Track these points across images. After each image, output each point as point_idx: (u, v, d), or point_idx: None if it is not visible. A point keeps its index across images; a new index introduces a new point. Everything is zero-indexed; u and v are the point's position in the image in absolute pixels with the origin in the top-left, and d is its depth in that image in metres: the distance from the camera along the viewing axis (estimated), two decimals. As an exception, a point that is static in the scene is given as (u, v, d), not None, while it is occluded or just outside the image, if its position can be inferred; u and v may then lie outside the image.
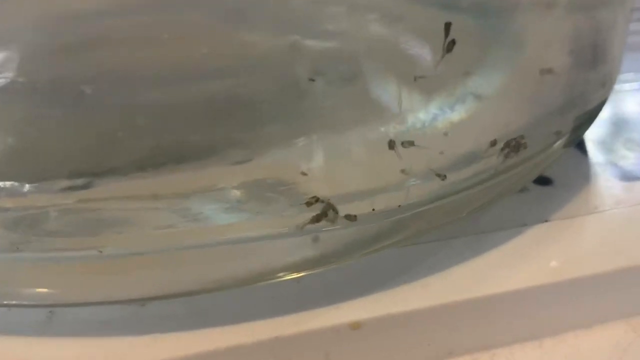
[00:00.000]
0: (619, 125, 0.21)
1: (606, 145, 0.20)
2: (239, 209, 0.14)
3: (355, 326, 0.15)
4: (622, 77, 0.23)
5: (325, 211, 0.14)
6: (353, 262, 0.16)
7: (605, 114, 0.22)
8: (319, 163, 0.14)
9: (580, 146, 0.20)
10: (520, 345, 0.16)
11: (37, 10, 0.13)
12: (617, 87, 0.23)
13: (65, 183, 0.13)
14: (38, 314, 0.15)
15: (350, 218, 0.14)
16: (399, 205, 0.15)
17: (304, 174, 0.14)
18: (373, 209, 0.14)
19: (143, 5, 0.14)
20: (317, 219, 0.14)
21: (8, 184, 0.13)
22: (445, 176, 0.15)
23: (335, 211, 0.14)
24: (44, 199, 0.13)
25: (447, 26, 0.14)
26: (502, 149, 0.16)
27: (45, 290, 0.15)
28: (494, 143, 0.16)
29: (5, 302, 0.15)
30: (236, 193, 0.14)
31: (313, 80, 0.14)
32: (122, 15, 0.14)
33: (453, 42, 0.14)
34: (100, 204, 0.14)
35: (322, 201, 0.14)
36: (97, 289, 0.15)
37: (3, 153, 0.14)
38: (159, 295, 0.15)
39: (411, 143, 0.14)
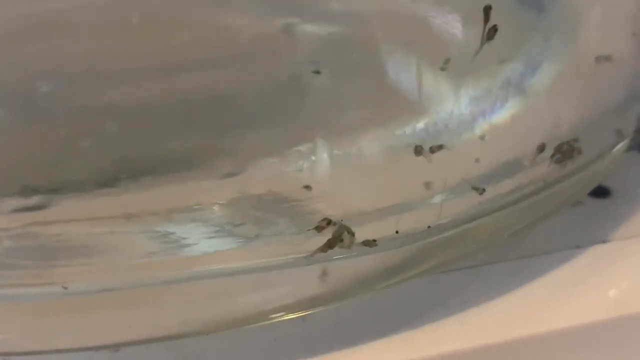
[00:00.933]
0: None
1: None
2: (231, 233, 0.13)
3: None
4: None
5: (339, 235, 0.13)
6: (372, 294, 0.14)
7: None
8: (325, 174, 0.13)
9: None
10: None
11: None
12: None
13: (16, 202, 0.12)
14: None
15: (370, 244, 0.13)
16: (428, 227, 0.13)
17: (307, 187, 0.13)
18: (397, 232, 0.13)
19: None
20: (329, 245, 0.13)
21: None
22: (483, 189, 0.14)
23: (352, 234, 0.13)
24: None
25: (487, 10, 0.13)
26: (552, 155, 0.14)
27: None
28: (541, 148, 0.14)
29: None
30: (226, 213, 0.13)
31: (318, 72, 0.13)
32: None
33: (494, 28, 0.13)
34: (59, 228, 0.12)
35: (335, 223, 0.13)
36: (60, 333, 0.13)
37: None
38: (135, 340, 0.13)
39: (440, 147, 0.13)
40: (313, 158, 0.13)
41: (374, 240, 0.13)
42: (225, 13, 0.12)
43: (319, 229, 0.13)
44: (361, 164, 0.13)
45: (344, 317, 0.14)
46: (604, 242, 0.16)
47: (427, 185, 0.13)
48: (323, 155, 0.13)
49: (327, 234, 0.13)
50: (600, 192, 0.17)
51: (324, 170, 0.13)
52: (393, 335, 0.14)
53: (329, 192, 0.13)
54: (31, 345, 0.13)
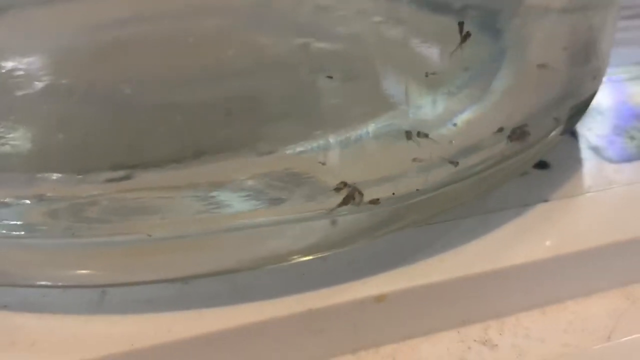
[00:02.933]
0: (608, 114, 0.21)
1: (597, 132, 0.20)
2: (266, 195, 0.14)
3: (380, 299, 0.15)
4: (614, 70, 0.25)
5: (352, 195, 0.14)
6: (375, 241, 0.16)
7: (594, 103, 0.23)
8: (336, 153, 0.14)
9: (573, 133, 0.20)
10: (526, 313, 0.16)
11: (78, 18, 0.13)
12: (607, 79, 0.24)
13: (108, 175, 0.14)
14: (91, 294, 0.15)
15: (374, 202, 0.14)
16: (417, 190, 0.15)
17: (322, 163, 0.14)
18: (393, 193, 0.15)
19: (172, 12, 0.14)
20: (344, 202, 0.14)
21: (58, 175, 0.13)
22: (457, 163, 0.15)
23: (361, 194, 0.14)
24: (91, 189, 0.13)
25: (461, 24, 0.14)
26: (509, 137, 0.16)
27: (97, 272, 0.14)
28: (500, 131, 0.16)
29: (61, 284, 0.15)
30: (261, 182, 0.14)
31: (331, 77, 0.14)
32: (154, 21, 0.14)
33: (468, 34, 0.14)
34: (139, 194, 0.14)
35: (349, 186, 0.14)
36: (144, 269, 0.14)
37: (52, 148, 0.13)
38: (201, 274, 0.15)
39: (426, 135, 0.15)
40: (327, 141, 0.14)
41: (378, 199, 0.14)
42: (257, 34, 0.14)
43: (337, 189, 0.14)
44: (364, 145, 0.15)
45: (354, 258, 0.15)
46: (545, 201, 0.17)
47: (415, 160, 0.15)
48: (334, 139, 0.14)
49: (342, 194, 0.14)
50: (542, 165, 0.19)
51: (335, 150, 0.14)
52: (391, 270, 0.15)
53: (338, 166, 0.14)
54: (123, 279, 0.15)
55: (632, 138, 0.19)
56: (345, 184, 0.14)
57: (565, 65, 0.18)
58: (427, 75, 0.15)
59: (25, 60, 0.14)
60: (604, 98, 0.21)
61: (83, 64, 0.14)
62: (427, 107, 0.16)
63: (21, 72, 0.14)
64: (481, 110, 0.16)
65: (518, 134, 0.16)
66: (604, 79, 0.21)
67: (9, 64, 0.14)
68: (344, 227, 0.15)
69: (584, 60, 0.18)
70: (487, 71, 0.17)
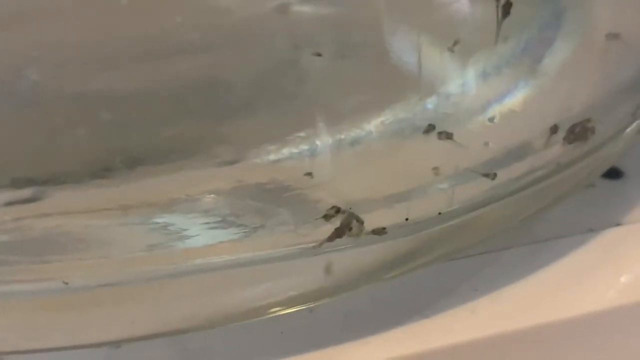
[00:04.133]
0: None
1: None
2: (232, 223, 0.13)
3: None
4: None
5: (348, 223, 0.12)
6: (382, 284, 0.14)
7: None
8: (328, 161, 0.13)
9: None
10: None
11: None
12: None
13: (8, 195, 0.12)
14: None
15: (379, 232, 0.13)
16: (439, 213, 0.13)
17: (309, 175, 0.13)
18: (406, 219, 0.13)
19: None
20: (338, 233, 0.13)
21: None
22: (495, 175, 0.14)
23: (361, 222, 0.13)
24: None
25: (507, 6, 0.13)
26: (565, 137, 0.14)
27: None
28: (554, 130, 0.14)
29: None
30: (226, 203, 0.12)
31: (319, 54, 0.12)
32: None
33: (509, 2, 0.12)
34: (54, 221, 0.12)
35: (344, 211, 0.12)
36: (59, 330, 0.13)
37: None
38: (137, 336, 0.13)
39: (450, 135, 0.13)
40: (315, 144, 0.13)
41: (384, 228, 0.13)
42: None
43: (327, 217, 0.12)
44: (365, 149, 0.13)
45: (352, 308, 0.14)
46: (618, 225, 0.16)
47: (436, 170, 0.13)
48: (325, 141, 0.13)
49: (335, 223, 0.13)
50: (613, 174, 0.17)
51: (326, 156, 0.13)
52: (403, 326, 0.14)
53: (331, 179, 0.13)
54: (28, 344, 0.13)
55: None
56: (338, 210, 0.13)
57: None
58: (451, 49, 0.13)
59: None
60: None
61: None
62: (452, 95, 0.14)
63: None
64: (528, 100, 0.14)
65: (578, 132, 0.14)
66: None
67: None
68: (339, 268, 0.14)
69: None
70: (536, 43, 0.14)
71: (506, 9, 0.13)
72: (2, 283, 0.12)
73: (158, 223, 0.12)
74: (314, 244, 0.13)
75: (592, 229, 0.16)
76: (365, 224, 0.13)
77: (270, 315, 0.13)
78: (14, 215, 0.12)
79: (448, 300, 0.14)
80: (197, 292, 0.13)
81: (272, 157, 0.12)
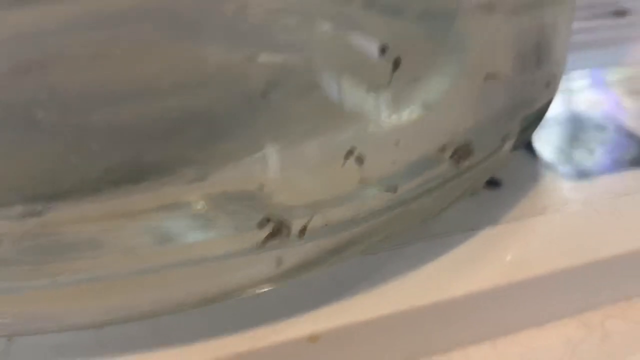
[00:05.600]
0: (566, 124, 0.22)
1: (553, 145, 0.22)
2: (202, 227, 0.15)
3: (314, 339, 0.16)
4: (569, 75, 0.25)
5: (279, 229, 0.15)
6: (311, 275, 0.16)
7: (552, 113, 0.23)
8: (275, 176, 0.15)
9: (529, 147, 0.22)
10: (475, 347, 0.17)
11: None
12: (564, 86, 0.24)
13: (20, 210, 0.14)
14: None
15: (303, 234, 0.15)
16: (351, 218, 0.16)
17: (260, 187, 0.15)
18: (326, 224, 0.15)
19: (93, 21, 0.14)
20: (270, 237, 0.15)
21: None
22: (396, 188, 0.16)
23: (288, 228, 0.15)
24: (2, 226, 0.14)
25: (383, 48, 0.15)
26: (451, 156, 0.17)
27: (1, 320, 0.15)
28: (443, 150, 0.17)
29: None
30: (195, 210, 0.15)
31: (266, 93, 0.15)
32: (71, 34, 0.14)
33: (398, 61, 0.15)
34: (57, 228, 0.14)
35: (273, 220, 0.15)
36: (54, 316, 0.15)
37: None
38: (118, 319, 0.15)
39: (360, 159, 0.15)
40: (265, 163, 0.15)
41: (306, 232, 0.15)
42: (196, 45, 0.14)
43: (260, 225, 0.15)
44: (303, 167, 0.15)
45: (288, 294, 0.16)
46: (495, 224, 0.18)
47: (358, 182, 0.15)
48: (273, 161, 0.15)
49: (266, 230, 0.15)
50: (493, 183, 0.20)
51: (274, 172, 0.15)
52: (327, 307, 0.16)
53: (278, 190, 0.15)
54: (29, 328, 0.15)
55: (591, 151, 0.19)
56: (268, 219, 0.15)
57: (515, 72, 0.19)
58: (368, 90, 0.16)
59: None
60: (562, 107, 0.22)
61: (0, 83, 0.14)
62: (370, 124, 0.16)
63: None
64: (424, 128, 0.17)
65: (461, 152, 0.17)
66: (565, 86, 0.23)
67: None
68: (285, 261, 0.16)
69: (536, 67, 0.20)
70: (432, 83, 0.17)
71: (396, 64, 0.15)
72: (12, 280, 0.14)
73: (143, 227, 0.14)
74: (255, 246, 0.15)
75: (474, 228, 0.18)
76: (293, 228, 0.15)
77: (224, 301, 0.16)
78: (25, 225, 0.14)
79: (362, 286, 0.16)
80: (166, 283, 0.15)
81: (231, 174, 0.15)
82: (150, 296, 0.15)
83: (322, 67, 0.16)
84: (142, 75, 0.14)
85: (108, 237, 0.14)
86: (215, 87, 0.15)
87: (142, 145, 0.14)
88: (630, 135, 0.22)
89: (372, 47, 0.17)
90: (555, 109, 0.24)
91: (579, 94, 0.24)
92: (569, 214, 0.19)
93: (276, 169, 0.15)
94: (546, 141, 0.22)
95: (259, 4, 0.16)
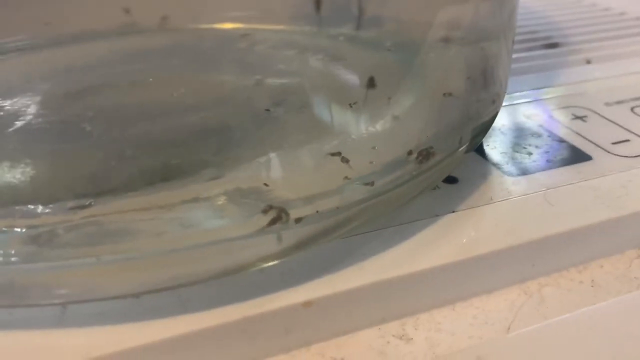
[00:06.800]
0: (509, 133, 0.23)
1: (500, 150, 0.22)
2: (218, 216, 0.15)
3: (308, 305, 0.16)
4: (512, 95, 0.25)
5: (279, 215, 0.15)
6: (305, 253, 0.17)
7: (499, 124, 0.23)
8: (278, 176, 0.15)
9: (480, 151, 0.22)
10: (438, 309, 0.17)
11: (48, 64, 0.15)
12: (508, 102, 0.25)
13: (70, 204, 0.14)
14: (53, 309, 0.16)
15: (299, 220, 0.15)
16: (337, 207, 0.16)
17: (266, 185, 0.15)
18: (317, 211, 0.15)
19: (131, 57, 0.15)
20: (272, 222, 0.15)
21: (25, 207, 0.14)
22: (373, 183, 0.16)
23: (287, 214, 0.15)
24: (55, 218, 0.14)
25: (371, 80, 0.16)
26: (416, 158, 0.17)
27: (58, 291, 0.15)
28: (410, 153, 0.17)
29: (26, 302, 0.16)
30: (214, 203, 0.15)
31: (269, 110, 0.15)
32: (115, 66, 0.15)
33: (373, 82, 0.16)
34: (101, 219, 0.14)
35: (275, 207, 0.15)
36: (100, 287, 0.15)
37: (21, 182, 0.14)
38: (151, 290, 0.16)
39: (346, 160, 0.16)
40: (269, 165, 0.15)
41: (301, 218, 0.15)
42: (214, 73, 0.15)
43: (264, 211, 0.15)
44: (301, 168, 0.16)
45: (286, 268, 0.16)
46: (453, 212, 0.18)
47: (344, 179, 0.16)
48: (275, 163, 0.15)
49: (270, 215, 0.15)
50: (451, 180, 0.20)
51: (277, 173, 0.15)
52: (318, 278, 0.16)
53: (279, 186, 0.15)
54: (82, 296, 0.15)
55: (529, 154, 0.19)
56: (270, 207, 0.15)
57: (467, 92, 0.19)
58: (351, 105, 0.16)
59: (8, 100, 0.14)
60: (507, 120, 0.22)
61: (52, 105, 0.15)
62: (352, 133, 0.16)
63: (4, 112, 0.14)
64: (394, 135, 0.17)
65: (425, 154, 0.17)
66: (508, 103, 0.24)
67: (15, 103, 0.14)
68: (284, 241, 0.16)
69: (484, 88, 0.20)
70: (402, 100, 0.17)
71: (371, 84, 0.16)
72: (66, 259, 0.15)
73: (171, 217, 0.15)
74: (259, 229, 0.15)
75: (437, 215, 0.18)
76: (291, 215, 0.15)
77: (237, 274, 0.16)
78: (75, 216, 0.14)
79: (346, 262, 0.17)
80: (190, 260, 0.15)
81: (242, 174, 0.15)
82: (176, 271, 0.15)
83: (314, 89, 0.16)
84: (169, 98, 0.15)
85: (142, 225, 0.15)
86: (228, 105, 0.15)
87: (169, 151, 0.15)
88: (560, 141, 0.22)
89: (355, 74, 0.17)
90: (501, 121, 0.24)
91: (520, 109, 0.25)
92: (510, 203, 0.19)
93: (277, 170, 0.15)
94: (494, 146, 0.22)
95: (264, 40, 0.16)
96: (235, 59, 0.17)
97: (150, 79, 0.14)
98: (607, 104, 0.25)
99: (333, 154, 0.16)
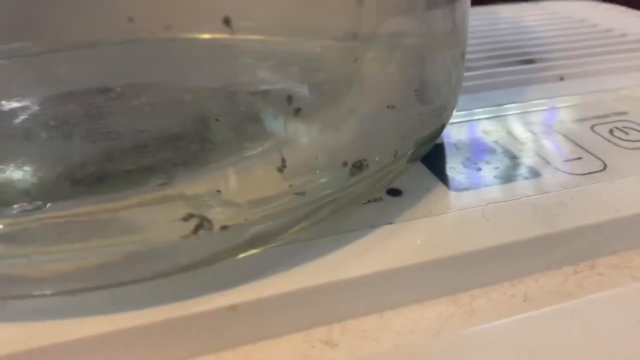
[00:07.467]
0: (463, 148, 0.23)
1: (450, 164, 0.22)
2: (151, 221, 0.16)
3: (233, 308, 0.16)
4: (475, 111, 0.26)
5: (201, 223, 0.15)
6: (239, 258, 0.17)
7: (454, 139, 0.24)
8: (231, 183, 0.16)
9: (430, 164, 0.22)
10: (365, 317, 0.18)
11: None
12: (470, 118, 0.25)
13: (28, 206, 0.15)
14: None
15: (225, 228, 0.16)
16: (264, 216, 0.16)
17: (218, 191, 0.16)
18: (245, 220, 0.16)
19: (114, 63, 0.16)
20: (195, 230, 0.16)
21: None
22: (304, 193, 0.17)
23: (210, 222, 0.16)
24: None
25: (290, 98, 0.17)
26: (350, 169, 0.17)
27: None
28: (345, 164, 0.17)
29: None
30: (159, 208, 0.16)
31: (218, 120, 0.16)
32: (96, 71, 0.16)
33: (297, 108, 0.17)
34: (53, 220, 0.15)
35: (196, 216, 0.15)
36: (40, 284, 0.16)
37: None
38: (86, 288, 0.17)
39: (280, 169, 0.16)
40: (223, 173, 0.16)
41: (227, 226, 0.16)
42: (183, 82, 0.16)
43: (185, 219, 0.15)
44: (248, 175, 0.16)
45: (217, 273, 0.17)
46: (390, 223, 0.19)
47: (293, 187, 0.16)
48: (228, 173, 0.16)
49: (192, 223, 0.15)
50: (395, 192, 0.20)
51: (227, 181, 0.16)
52: (247, 283, 0.17)
53: (230, 193, 0.16)
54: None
55: (478, 169, 0.20)
56: (191, 215, 0.15)
57: (410, 105, 0.20)
58: (296, 113, 0.17)
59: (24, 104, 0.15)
60: (464, 135, 0.23)
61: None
62: (296, 143, 0.17)
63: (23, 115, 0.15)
64: (333, 147, 0.18)
65: (358, 166, 0.18)
66: (469, 118, 0.25)
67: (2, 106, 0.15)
68: (212, 247, 0.17)
69: (428, 101, 0.20)
70: (344, 112, 0.18)
71: (296, 112, 0.16)
72: (81, 251, 0.15)
73: (115, 220, 0.15)
74: (182, 236, 0.15)
75: (374, 226, 0.19)
76: (215, 223, 0.16)
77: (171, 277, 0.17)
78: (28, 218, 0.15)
79: (277, 269, 0.17)
80: (133, 261, 0.16)
81: (200, 180, 0.16)
82: (111, 271, 0.16)
83: (259, 98, 0.17)
84: (135, 105, 0.16)
85: (88, 227, 0.15)
86: (183, 114, 0.16)
87: (126, 157, 0.16)
88: (512, 157, 0.23)
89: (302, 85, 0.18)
90: (458, 136, 0.24)
91: (481, 124, 0.25)
92: (448, 216, 0.19)
93: (231, 178, 0.16)
94: (444, 161, 0.22)
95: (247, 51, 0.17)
96: (208, 69, 0.18)
97: (119, 89, 0.15)
98: (568, 121, 0.25)
99: (267, 163, 0.16)
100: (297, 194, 0.17)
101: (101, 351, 0.16)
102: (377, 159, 0.18)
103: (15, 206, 0.15)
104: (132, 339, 0.16)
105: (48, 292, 0.16)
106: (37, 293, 0.16)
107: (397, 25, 0.19)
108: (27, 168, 0.16)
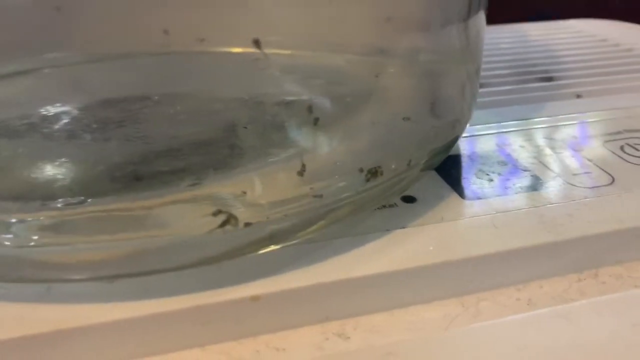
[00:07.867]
0: (477, 160, 0.24)
1: (463, 175, 0.23)
2: (182, 217, 0.17)
3: (255, 299, 0.18)
4: (480, 127, 0.27)
5: (228, 219, 0.17)
6: (260, 254, 0.19)
7: (469, 151, 0.25)
8: (253, 186, 0.17)
9: (444, 174, 0.23)
10: (377, 314, 0.19)
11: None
12: (485, 132, 0.26)
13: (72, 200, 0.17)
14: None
15: (248, 225, 0.17)
16: (285, 215, 0.18)
17: (244, 192, 0.17)
18: (267, 218, 0.17)
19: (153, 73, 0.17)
20: (222, 225, 0.17)
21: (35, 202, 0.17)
22: (322, 195, 0.18)
23: (236, 219, 0.17)
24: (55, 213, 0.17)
25: (310, 108, 0.18)
26: (366, 175, 0.19)
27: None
28: (361, 170, 0.19)
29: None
30: (184, 206, 0.17)
31: (245, 128, 0.18)
32: (133, 81, 0.18)
33: (316, 119, 0.18)
34: (97, 214, 0.17)
35: (224, 212, 0.17)
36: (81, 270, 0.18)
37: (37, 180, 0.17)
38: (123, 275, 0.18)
39: (300, 173, 0.18)
40: (247, 178, 0.17)
41: (250, 223, 0.17)
42: (214, 93, 0.18)
43: (214, 214, 0.17)
44: (272, 178, 0.18)
45: (241, 267, 0.18)
46: (403, 228, 0.20)
47: (312, 190, 0.18)
48: (254, 176, 0.17)
49: (220, 219, 0.17)
50: (410, 199, 0.22)
51: (252, 184, 0.17)
52: (270, 277, 0.18)
53: (255, 195, 0.17)
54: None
55: (490, 180, 0.21)
56: (220, 211, 0.17)
57: (424, 117, 0.21)
58: (315, 122, 0.18)
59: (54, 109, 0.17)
60: (478, 147, 0.24)
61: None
62: (316, 151, 0.18)
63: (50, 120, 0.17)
64: (350, 155, 0.19)
65: (372, 172, 0.19)
66: (485, 132, 0.26)
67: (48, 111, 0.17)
68: (231, 243, 0.18)
69: (442, 114, 0.22)
70: (364, 122, 0.19)
71: (315, 121, 0.18)
72: (117, 242, 0.17)
73: (151, 216, 0.17)
74: (209, 231, 0.17)
75: (388, 230, 0.20)
76: (240, 220, 0.17)
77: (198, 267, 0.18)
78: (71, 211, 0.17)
79: (296, 265, 0.18)
80: (166, 252, 0.18)
81: (228, 182, 0.17)
82: (147, 261, 0.18)
83: (282, 108, 0.18)
84: (170, 113, 0.18)
85: (138, 220, 0.17)
86: (214, 122, 0.18)
87: (161, 160, 0.17)
88: (523, 169, 0.24)
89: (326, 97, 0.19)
90: (472, 148, 0.25)
91: (495, 138, 0.26)
92: (459, 223, 0.21)
93: (254, 182, 0.18)
94: (458, 171, 0.24)
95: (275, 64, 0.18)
96: (237, 80, 0.20)
97: (156, 97, 0.17)
98: (581, 137, 0.26)
99: (289, 168, 0.18)
100: (316, 196, 0.18)
101: (134, 334, 0.17)
102: (392, 167, 0.19)
103: (60, 200, 0.17)
104: (162, 323, 0.17)
105: (87, 277, 0.18)
106: (77, 278, 0.18)
107: (416, 41, 0.20)
108: (70, 167, 0.17)
